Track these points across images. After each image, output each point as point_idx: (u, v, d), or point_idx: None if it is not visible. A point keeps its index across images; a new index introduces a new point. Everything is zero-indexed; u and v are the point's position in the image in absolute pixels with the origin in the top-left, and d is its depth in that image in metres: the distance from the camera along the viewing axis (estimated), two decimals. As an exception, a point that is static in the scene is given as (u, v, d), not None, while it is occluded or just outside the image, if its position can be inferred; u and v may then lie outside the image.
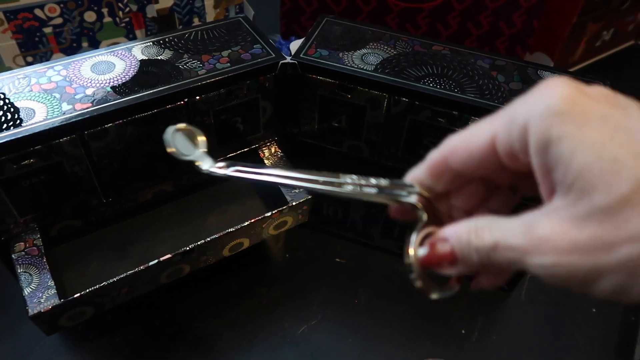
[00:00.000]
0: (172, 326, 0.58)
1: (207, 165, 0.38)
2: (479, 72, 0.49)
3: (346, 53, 0.51)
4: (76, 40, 0.77)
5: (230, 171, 0.36)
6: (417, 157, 0.52)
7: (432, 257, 0.25)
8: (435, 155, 0.28)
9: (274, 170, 0.33)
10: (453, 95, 0.47)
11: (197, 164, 0.39)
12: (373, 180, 0.29)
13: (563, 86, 0.22)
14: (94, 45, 0.79)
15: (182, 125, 0.41)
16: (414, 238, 0.27)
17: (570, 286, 0.22)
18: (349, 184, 0.30)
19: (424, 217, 0.28)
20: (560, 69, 0.51)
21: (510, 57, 0.52)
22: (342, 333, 0.58)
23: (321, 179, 0.31)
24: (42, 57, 0.76)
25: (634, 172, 0.19)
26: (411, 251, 0.26)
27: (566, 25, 0.83)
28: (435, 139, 0.50)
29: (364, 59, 0.50)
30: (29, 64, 0.76)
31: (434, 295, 0.27)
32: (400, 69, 0.49)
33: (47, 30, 0.73)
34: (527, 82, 0.49)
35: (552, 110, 0.21)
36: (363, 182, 0.30)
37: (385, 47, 0.52)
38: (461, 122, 0.47)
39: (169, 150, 0.40)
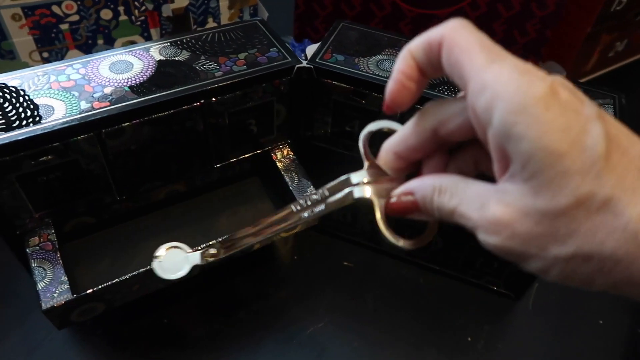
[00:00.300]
0: (180, 324, 0.58)
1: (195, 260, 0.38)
2: (493, 82, 0.49)
3: (362, 59, 0.51)
4: (92, 37, 0.78)
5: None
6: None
7: (397, 207, 0.29)
8: (424, 133, 0.29)
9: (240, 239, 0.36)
10: (467, 104, 0.47)
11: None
12: (315, 196, 0.31)
13: (541, 83, 0.22)
14: (109, 42, 0.80)
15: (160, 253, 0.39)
16: (377, 208, 0.30)
17: (514, 262, 0.25)
18: (299, 211, 0.32)
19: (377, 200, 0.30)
20: (569, 80, 0.51)
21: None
22: (348, 337, 0.58)
23: (275, 220, 0.34)
24: (58, 53, 0.77)
25: (579, 186, 0.21)
26: (377, 215, 0.30)
27: (580, 36, 0.83)
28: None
29: (379, 65, 0.51)
30: (44, 59, 0.77)
31: (402, 244, 0.29)
32: (415, 77, 0.49)
33: (64, 26, 0.74)
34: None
35: (522, 107, 0.21)
36: (309, 203, 0.32)
37: (401, 54, 0.52)
38: (475, 131, 0.47)
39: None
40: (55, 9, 0.72)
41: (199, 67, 0.49)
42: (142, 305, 0.59)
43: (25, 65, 0.76)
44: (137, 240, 0.54)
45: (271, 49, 0.52)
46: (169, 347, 0.56)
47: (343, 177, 0.31)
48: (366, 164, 0.31)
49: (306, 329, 0.58)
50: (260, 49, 0.52)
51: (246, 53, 0.51)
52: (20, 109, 0.44)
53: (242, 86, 0.49)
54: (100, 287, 0.45)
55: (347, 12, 0.84)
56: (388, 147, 0.31)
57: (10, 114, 0.43)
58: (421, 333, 0.59)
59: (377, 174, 0.31)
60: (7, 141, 0.41)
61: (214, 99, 0.48)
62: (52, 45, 0.76)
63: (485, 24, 0.79)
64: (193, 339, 0.57)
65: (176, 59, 0.50)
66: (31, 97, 0.45)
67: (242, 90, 0.49)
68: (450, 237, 0.59)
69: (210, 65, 0.50)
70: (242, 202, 0.57)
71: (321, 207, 0.31)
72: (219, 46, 0.52)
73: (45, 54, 0.77)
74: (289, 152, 0.57)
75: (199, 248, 0.38)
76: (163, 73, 0.48)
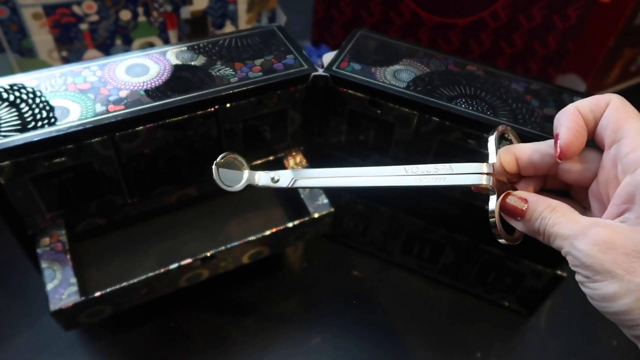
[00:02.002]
0: (187, 329, 0.58)
1: (263, 181, 0.39)
2: (512, 96, 0.49)
3: (379, 68, 0.51)
4: (110, 37, 0.78)
5: (290, 183, 0.38)
6: (444, 177, 0.51)
7: (509, 206, 0.33)
8: (550, 159, 0.34)
9: (338, 171, 0.38)
10: (485, 118, 0.46)
11: (253, 184, 0.39)
12: (441, 169, 0.35)
13: None
14: (127, 43, 0.80)
15: (219, 160, 0.39)
16: (494, 199, 0.34)
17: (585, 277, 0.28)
18: (425, 175, 0.36)
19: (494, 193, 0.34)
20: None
21: (545, 81, 0.51)
22: (356, 348, 0.57)
23: (388, 174, 0.37)
24: (77, 52, 0.77)
25: None
26: (492, 204, 0.34)
27: (602, 49, 0.82)
28: (464, 160, 0.49)
29: (397, 76, 0.50)
30: (63, 58, 0.77)
31: (502, 240, 0.34)
32: (433, 88, 0.49)
33: (83, 26, 0.75)
34: (562, 108, 0.48)
35: None
36: (431, 171, 0.35)
37: (419, 65, 0.51)
38: (492, 145, 0.47)
39: (225, 188, 0.39)
40: (75, 8, 0.72)
41: (215, 73, 0.49)
42: (150, 308, 0.58)
43: (44, 64, 0.77)
44: (147, 243, 0.54)
45: (288, 56, 0.52)
46: (175, 351, 0.56)
47: (475, 164, 0.35)
48: (496, 161, 0.35)
49: (314, 338, 0.58)
50: (277, 55, 0.52)
51: (262, 59, 0.51)
52: (36, 110, 0.44)
53: (257, 93, 0.49)
54: (108, 290, 0.45)
55: (366, 19, 0.84)
56: (514, 151, 0.36)
57: (26, 115, 0.43)
58: (430, 347, 0.58)
59: (499, 173, 0.35)
60: (22, 142, 0.41)
61: (228, 105, 0.48)
62: (71, 44, 0.76)
63: (506, 34, 0.78)
64: (199, 344, 0.57)
65: (192, 63, 0.50)
66: (47, 99, 0.45)
67: (257, 97, 0.49)
68: (462, 251, 0.58)
69: (226, 70, 0.49)
70: (253, 208, 0.57)
71: (443, 179, 0.35)
72: (235, 52, 0.52)
73: (64, 53, 0.77)
74: (302, 159, 0.57)
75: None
76: (179, 77, 0.48)
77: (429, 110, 0.47)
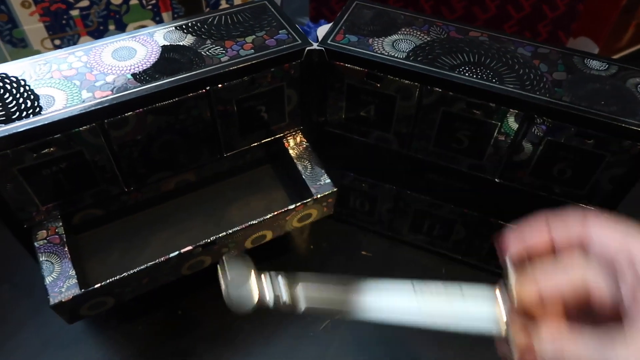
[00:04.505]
0: (194, 317, 0.57)
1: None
2: (519, 61, 0.46)
3: (376, 39, 0.48)
4: (103, 23, 0.76)
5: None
6: (450, 150, 0.49)
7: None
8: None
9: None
10: (490, 86, 0.43)
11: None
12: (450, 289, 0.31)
13: None
14: (121, 28, 0.78)
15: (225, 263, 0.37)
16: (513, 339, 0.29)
17: None
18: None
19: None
20: (606, 58, 0.47)
21: (554, 44, 0.48)
22: (366, 330, 0.56)
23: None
24: (70, 40, 0.76)
25: None
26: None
27: (614, 9, 0.78)
28: (470, 132, 0.47)
29: (395, 46, 0.47)
30: (56, 47, 0.75)
31: None
32: (434, 57, 0.46)
33: (74, 13, 0.73)
34: (573, 71, 0.45)
35: None
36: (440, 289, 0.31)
37: (418, 33, 0.49)
38: (498, 114, 0.44)
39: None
40: (64, -6, 0.70)
41: (205, 52, 0.47)
42: (157, 296, 0.58)
43: (36, 53, 0.75)
44: (147, 231, 0.52)
45: (280, 31, 0.49)
46: (183, 338, 0.55)
47: (490, 289, 0.30)
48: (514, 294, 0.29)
49: (322, 321, 0.57)
50: (269, 31, 0.49)
51: (254, 36, 0.49)
52: (21, 100, 0.42)
53: (249, 71, 0.46)
54: (108, 281, 0.44)
55: (364, -10, 0.80)
56: (543, 292, 0.29)
57: (10, 105, 0.42)
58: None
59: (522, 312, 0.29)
60: (7, 134, 0.40)
61: (220, 86, 0.46)
62: (63, 32, 0.75)
63: (512, -3, 0.75)
64: (207, 331, 0.56)
65: (181, 44, 0.48)
66: (32, 87, 0.43)
67: (249, 75, 0.47)
68: (472, 226, 0.56)
69: (216, 49, 0.47)
70: (254, 191, 0.55)
71: (457, 302, 0.31)
72: (225, 29, 0.50)
73: (57, 41, 0.75)
74: (302, 139, 0.55)
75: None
76: (167, 59, 0.46)
77: (430, 81, 0.45)
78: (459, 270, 0.61)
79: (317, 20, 0.87)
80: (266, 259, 0.62)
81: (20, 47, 0.74)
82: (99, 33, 0.77)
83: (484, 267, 0.60)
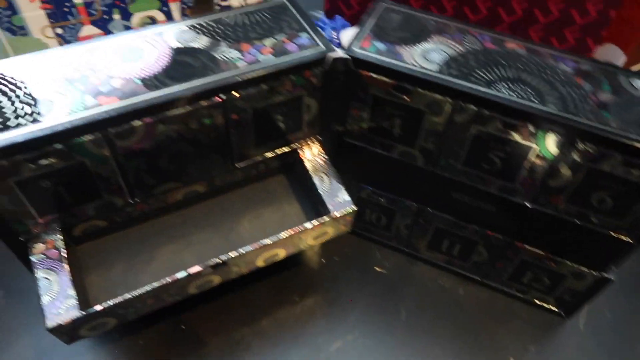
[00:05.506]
0: (198, 332, 0.54)
1: None
2: (560, 78, 0.42)
3: (405, 48, 0.44)
4: (107, 12, 0.72)
5: None
6: (480, 170, 0.46)
7: None
8: None
9: None
10: (530, 106, 0.40)
11: None
12: None
13: None
14: (126, 17, 0.74)
15: None
16: None
17: None
18: None
19: None
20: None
21: (596, 60, 0.45)
22: (380, 352, 0.53)
23: None
24: (72, 28, 0.71)
25: None
26: None
27: (647, 16, 0.74)
28: (504, 153, 0.43)
29: (427, 57, 0.44)
30: (57, 35, 0.71)
31: None
32: (469, 71, 0.42)
33: (77, 0, 0.68)
34: (619, 92, 0.42)
35: None
36: None
37: (451, 42, 0.45)
38: (537, 138, 0.41)
39: None
40: (67, -19, 0.66)
41: (220, 56, 0.43)
42: (159, 311, 0.54)
43: (38, 42, 0.71)
44: (153, 244, 0.49)
45: (301, 34, 0.46)
46: (187, 357, 0.52)
47: None
48: None
49: (335, 341, 0.54)
50: (289, 34, 0.46)
51: (273, 39, 0.45)
52: (18, 104, 0.38)
53: (268, 79, 0.43)
54: (111, 303, 0.41)
55: (384, -14, 0.76)
56: None
57: (5, 110, 0.38)
58: (459, 350, 0.54)
59: None
60: (3, 144, 0.36)
61: (236, 94, 0.42)
62: (65, 20, 0.70)
63: (539, 1, 0.71)
64: (212, 349, 0.53)
65: (194, 45, 0.44)
66: (30, 90, 0.39)
67: (268, 83, 0.43)
68: (496, 248, 0.53)
69: (232, 53, 0.43)
70: (267, 204, 0.52)
71: None
72: (242, 30, 0.46)
73: (59, 30, 0.71)
74: (320, 150, 0.52)
75: None
76: (179, 63, 0.42)
77: (464, 97, 0.41)
78: (476, 292, 0.58)
79: (332, 16, 0.83)
80: (275, 272, 0.59)
81: (20, 34, 0.70)
82: (102, 22, 0.73)
83: (503, 290, 0.57)
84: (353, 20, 0.80)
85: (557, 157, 0.41)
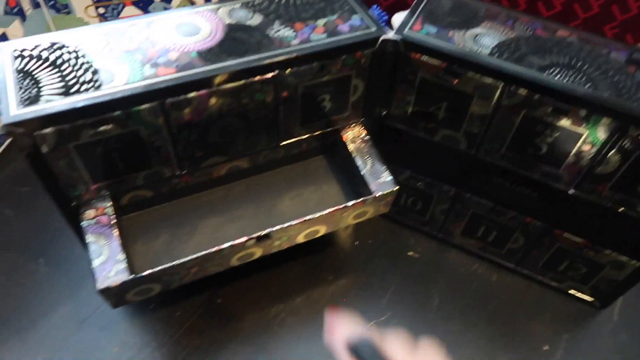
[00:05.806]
0: (233, 306, 0.55)
1: None
2: (613, 66, 0.42)
3: (457, 32, 0.45)
4: (149, -8, 0.73)
5: None
6: (524, 155, 0.46)
7: None
8: None
9: None
10: (584, 92, 0.40)
11: None
12: None
13: None
14: (167, 0, 0.75)
15: None
16: None
17: None
18: None
19: None
20: None
21: (648, 49, 0.45)
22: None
23: None
24: (114, 9, 0.73)
25: None
26: None
27: (689, 13, 0.73)
28: (551, 139, 0.43)
29: (477, 41, 0.44)
30: (100, 15, 0.73)
31: None
32: (521, 55, 0.43)
33: (121, -19, 0.70)
34: (670, 82, 0.42)
35: None
36: None
37: (502, 28, 0.45)
38: (589, 123, 0.41)
39: None
40: (113, -40, 0.67)
41: (273, 34, 0.44)
42: (196, 284, 0.55)
43: (80, 21, 0.73)
44: (196, 216, 0.50)
45: (353, 16, 0.46)
46: (221, 331, 0.53)
47: None
48: None
49: (367, 321, 0.54)
50: (342, 15, 0.46)
51: (326, 19, 0.46)
52: (80, 72, 0.40)
53: (320, 57, 0.43)
54: (159, 268, 0.42)
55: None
56: None
57: (68, 78, 0.39)
58: (491, 337, 0.54)
59: None
60: (65, 108, 0.37)
61: (288, 71, 0.43)
62: (108, 0, 0.72)
63: (581, -5, 0.71)
64: (246, 324, 0.54)
65: (247, 23, 0.45)
66: (91, 60, 0.41)
67: (320, 62, 0.44)
68: (533, 236, 0.53)
69: (285, 32, 0.44)
70: (308, 182, 0.53)
71: None
72: (294, 10, 0.46)
73: (101, 10, 0.73)
74: (362, 131, 0.52)
75: None
76: (234, 39, 0.43)
77: (516, 81, 0.42)
78: (509, 280, 0.59)
79: (369, 5, 0.83)
80: (309, 252, 0.59)
81: (64, 13, 0.71)
82: (144, 4, 0.74)
83: (536, 279, 0.58)
84: (390, 11, 0.80)
85: (607, 143, 0.41)
